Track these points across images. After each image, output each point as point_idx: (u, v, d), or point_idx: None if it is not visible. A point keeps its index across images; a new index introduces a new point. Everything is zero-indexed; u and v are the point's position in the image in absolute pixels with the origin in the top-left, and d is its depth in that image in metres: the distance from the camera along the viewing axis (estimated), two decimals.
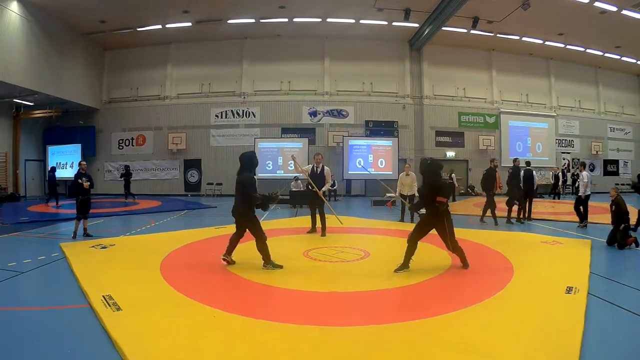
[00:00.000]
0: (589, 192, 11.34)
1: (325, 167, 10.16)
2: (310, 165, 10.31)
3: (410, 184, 12.29)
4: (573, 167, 27.49)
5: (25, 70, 19.03)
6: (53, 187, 17.97)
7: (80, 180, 9.65)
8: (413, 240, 6.36)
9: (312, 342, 3.81)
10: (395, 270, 6.25)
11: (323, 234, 9.79)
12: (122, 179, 20.54)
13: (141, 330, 4.08)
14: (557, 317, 4.38)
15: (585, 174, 11.54)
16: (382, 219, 13.20)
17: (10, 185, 22.46)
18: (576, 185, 24.67)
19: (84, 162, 10.44)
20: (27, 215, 14.30)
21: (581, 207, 11.47)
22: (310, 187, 9.81)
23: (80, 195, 9.68)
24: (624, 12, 20.07)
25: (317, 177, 9.89)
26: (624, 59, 27.17)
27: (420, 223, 6.57)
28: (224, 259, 6.59)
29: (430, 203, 6.30)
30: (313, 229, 10.21)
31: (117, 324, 4.15)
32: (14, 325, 4.30)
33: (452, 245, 6.34)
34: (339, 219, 9.76)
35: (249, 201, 6.46)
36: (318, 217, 10.03)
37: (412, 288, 5.59)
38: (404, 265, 6.31)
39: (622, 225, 8.39)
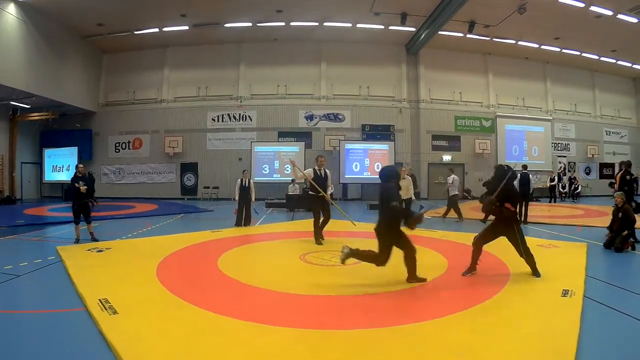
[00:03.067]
0: (457, 192, 14.15)
1: (327, 170, 9.71)
2: (311, 169, 9.66)
3: (407, 187, 12.27)
4: (570, 171, 27.63)
5: (22, 73, 18.99)
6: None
7: (77, 184, 9.37)
8: (478, 244, 6.40)
9: (308, 346, 3.81)
10: (463, 274, 6.31)
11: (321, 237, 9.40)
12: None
13: (137, 333, 4.06)
14: (553, 320, 4.39)
15: (453, 176, 14.19)
16: None
17: (6, 188, 22.41)
18: (572, 188, 25.07)
19: (81, 165, 10.08)
20: (23, 218, 14.26)
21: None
22: (314, 192, 9.33)
23: (77, 199, 9.42)
24: (620, 16, 20.19)
25: (322, 181, 9.40)
26: (619, 62, 27.35)
27: (489, 228, 6.50)
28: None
29: (501, 207, 6.26)
30: (319, 241, 9.22)
31: (114, 328, 4.14)
32: (9, 328, 4.29)
33: (525, 251, 6.24)
34: (352, 222, 9.70)
35: (393, 213, 5.85)
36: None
37: (409, 292, 5.59)
38: (472, 268, 6.37)
39: (626, 232, 8.42)
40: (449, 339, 3.96)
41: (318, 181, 9.29)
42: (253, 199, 12.37)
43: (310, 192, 9.63)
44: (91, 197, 10.02)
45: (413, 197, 12.54)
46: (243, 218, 12.29)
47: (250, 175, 12.77)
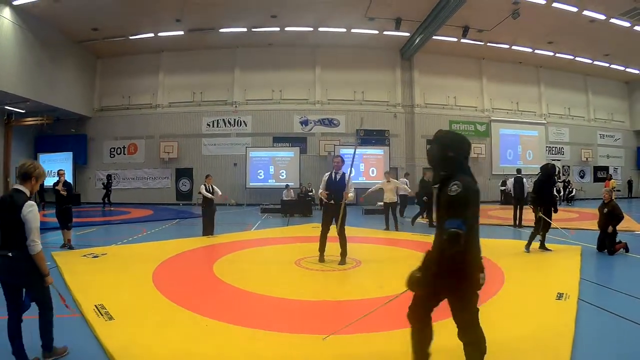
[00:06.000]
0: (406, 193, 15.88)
1: (345, 172, 8.17)
2: (327, 174, 8.38)
3: (392, 189, 12.30)
4: (564, 175, 27.72)
5: (17, 77, 18.90)
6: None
7: (61, 192, 9.42)
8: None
9: (303, 351, 3.83)
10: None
11: (342, 261, 7.69)
12: (104, 189, 21.77)
13: (133, 339, 4.06)
14: (547, 323, 4.42)
15: (403, 179, 15.88)
16: (373, 228, 13.19)
17: (0, 193, 22.27)
18: (567, 191, 25.17)
19: (62, 170, 10.11)
20: None
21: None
22: (326, 200, 8.02)
23: (58, 205, 9.46)
24: (613, 20, 20.40)
25: (338, 186, 7.92)
26: (612, 66, 27.54)
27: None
28: None
29: None
30: (322, 257, 7.85)
31: (109, 334, 4.14)
32: (5, 335, 4.26)
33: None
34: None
35: None
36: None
37: (404, 296, 5.56)
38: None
39: (610, 229, 8.45)
40: (445, 343, 3.97)
41: (331, 186, 8.00)
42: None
43: (318, 201, 8.85)
44: (72, 202, 9.91)
45: (398, 201, 12.48)
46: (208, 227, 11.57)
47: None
